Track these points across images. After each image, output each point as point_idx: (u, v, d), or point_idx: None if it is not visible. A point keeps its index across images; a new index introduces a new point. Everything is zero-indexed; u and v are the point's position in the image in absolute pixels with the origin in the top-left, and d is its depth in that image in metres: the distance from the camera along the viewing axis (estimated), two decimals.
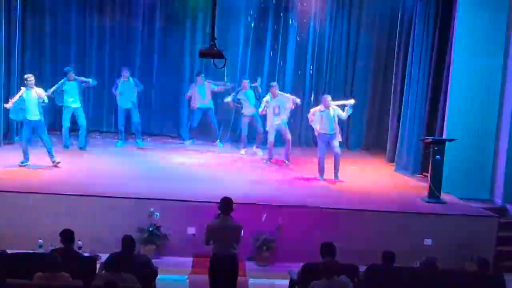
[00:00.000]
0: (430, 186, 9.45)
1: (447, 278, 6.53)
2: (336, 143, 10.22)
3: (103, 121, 13.03)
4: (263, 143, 11.69)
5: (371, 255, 6.98)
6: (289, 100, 11.14)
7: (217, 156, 11.73)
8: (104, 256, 6.52)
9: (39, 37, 12.69)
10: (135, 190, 8.90)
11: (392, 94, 12.07)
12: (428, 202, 9.39)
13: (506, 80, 10.01)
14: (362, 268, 6.56)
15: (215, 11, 8.10)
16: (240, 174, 10.49)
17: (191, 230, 8.40)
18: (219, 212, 6.68)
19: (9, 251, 6.73)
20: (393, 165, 11.56)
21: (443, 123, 10.37)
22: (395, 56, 11.92)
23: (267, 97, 11.20)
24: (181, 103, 12.89)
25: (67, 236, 6.39)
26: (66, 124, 11.20)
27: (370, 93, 13.26)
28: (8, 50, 11.27)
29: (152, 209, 8.35)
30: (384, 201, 9.34)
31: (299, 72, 13.13)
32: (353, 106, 10.43)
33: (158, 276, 6.60)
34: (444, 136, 10.10)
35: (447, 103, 10.34)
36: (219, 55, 7.75)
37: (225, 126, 12.90)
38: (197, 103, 12.18)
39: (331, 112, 10.16)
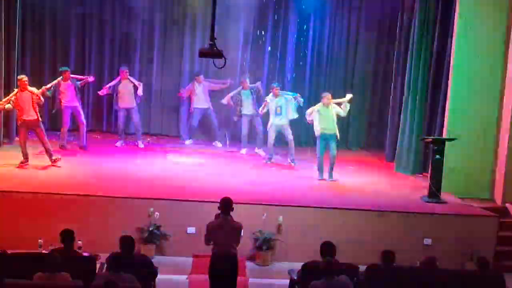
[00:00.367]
0: (430, 185, 9.46)
1: (447, 278, 6.53)
2: (334, 144, 10.20)
3: (103, 121, 13.03)
4: (264, 143, 11.68)
5: (371, 255, 6.99)
6: (292, 100, 11.11)
7: (217, 156, 11.73)
8: (104, 256, 6.52)
9: (39, 37, 12.69)
10: (135, 190, 8.90)
11: (391, 94, 12.08)
12: (428, 201, 9.40)
13: (506, 80, 10.01)
14: (362, 268, 6.56)
15: (215, 11, 8.09)
16: (240, 174, 10.49)
17: (191, 230, 8.41)
18: (219, 212, 6.68)
19: (9, 251, 6.72)
20: (393, 165, 11.57)
21: (443, 123, 10.37)
22: (395, 56, 11.93)
23: (269, 97, 11.20)
24: (180, 103, 12.88)
25: (67, 236, 6.39)
26: (65, 123, 11.19)
27: (370, 93, 13.27)
28: (8, 50, 11.26)
29: (152, 209, 8.36)
30: (384, 201, 9.34)
31: (299, 72, 13.14)
32: (352, 104, 10.39)
33: (158, 276, 6.59)
34: (444, 136, 10.10)
35: (447, 103, 10.34)
36: (219, 55, 7.75)
37: (225, 126, 12.89)
38: (197, 104, 12.18)
39: (331, 111, 10.15)
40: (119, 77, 11.74)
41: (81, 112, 11.31)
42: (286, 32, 13.00)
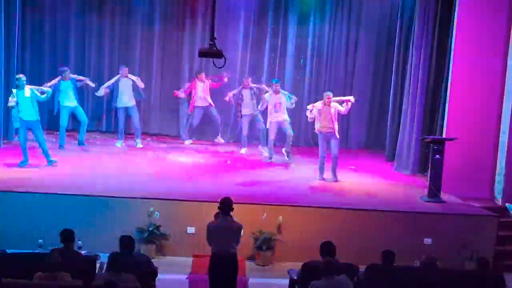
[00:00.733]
0: (429, 185, 9.46)
1: (447, 278, 6.53)
2: (335, 143, 10.20)
3: (103, 121, 13.03)
4: (266, 141, 11.67)
5: (371, 255, 6.98)
6: (287, 98, 11.12)
7: (217, 156, 11.73)
8: (104, 256, 6.52)
9: (38, 36, 12.70)
10: (135, 190, 8.90)
11: (391, 93, 12.08)
12: (428, 201, 9.40)
13: (506, 80, 10.01)
14: (362, 268, 6.56)
15: (214, 10, 8.10)
16: (240, 173, 10.48)
17: (191, 230, 8.41)
18: (219, 211, 6.68)
19: (9, 251, 6.72)
20: (393, 164, 11.57)
21: (443, 122, 10.37)
22: (395, 56, 11.93)
23: (268, 94, 11.20)
24: (180, 103, 12.88)
25: (67, 235, 6.38)
26: (63, 124, 11.19)
27: (369, 92, 13.26)
28: (8, 50, 11.26)
29: (152, 209, 8.36)
30: (383, 201, 9.34)
31: (299, 72, 13.14)
32: (352, 104, 10.38)
33: (158, 276, 6.60)
34: (444, 136, 10.10)
35: (447, 102, 10.34)
36: (219, 55, 7.75)
37: (225, 125, 12.90)
38: (198, 102, 12.14)
39: (331, 109, 10.14)
40: (118, 76, 11.72)
41: (82, 111, 11.32)
42: (285, 31, 12.99)
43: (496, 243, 8.88)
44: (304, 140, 13.03)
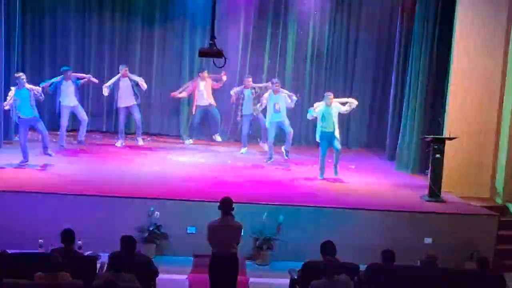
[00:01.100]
0: (430, 184, 9.46)
1: (447, 277, 6.52)
2: (337, 140, 10.20)
3: (103, 121, 13.03)
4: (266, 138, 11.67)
5: (372, 254, 6.98)
6: (286, 97, 11.12)
7: (217, 155, 11.73)
8: (104, 256, 6.52)
9: (39, 36, 12.69)
10: (135, 190, 8.90)
11: (392, 93, 12.07)
12: (428, 200, 9.40)
13: (506, 79, 10.00)
14: (363, 267, 6.56)
15: (215, 10, 8.09)
16: (240, 173, 10.48)
17: (191, 230, 8.41)
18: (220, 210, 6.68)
19: (9, 251, 6.72)
20: (393, 164, 11.56)
21: (444, 121, 10.36)
22: (395, 55, 11.92)
23: (268, 93, 11.20)
24: (181, 102, 12.87)
25: (68, 235, 6.39)
26: (63, 123, 11.19)
27: (370, 92, 13.25)
28: (8, 49, 11.26)
29: (152, 209, 8.36)
30: (384, 200, 9.34)
31: (299, 71, 13.13)
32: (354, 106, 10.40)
33: (158, 276, 6.60)
34: (444, 135, 10.09)
35: (447, 101, 10.34)
36: (219, 54, 7.74)
37: (225, 124, 12.89)
38: (200, 101, 12.11)
39: (333, 110, 10.15)
40: (118, 76, 11.71)
41: (82, 110, 11.32)
42: (285, 30, 12.98)
43: (497, 243, 8.88)
44: (305, 139, 13.02)
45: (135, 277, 5.80)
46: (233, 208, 6.65)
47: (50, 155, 10.16)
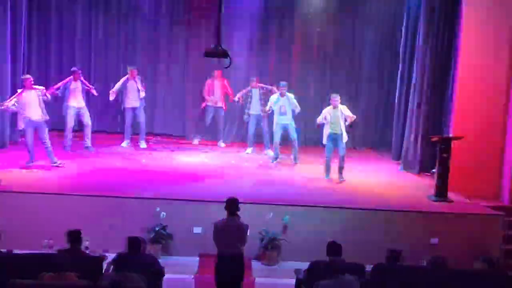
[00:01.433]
0: (436, 184, 9.43)
1: (454, 277, 6.50)
2: (342, 144, 10.18)
3: (108, 122, 13.05)
4: (270, 143, 11.66)
5: (377, 254, 6.96)
6: (292, 99, 11.09)
7: (223, 156, 11.73)
8: (110, 256, 6.53)
9: (44, 37, 12.74)
10: (141, 190, 8.91)
11: (397, 93, 12.04)
12: (435, 200, 9.37)
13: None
14: (368, 267, 6.55)
15: (220, 10, 8.09)
16: (246, 173, 10.48)
17: (197, 230, 8.41)
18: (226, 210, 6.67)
19: (16, 251, 6.74)
20: (399, 164, 11.53)
21: (450, 122, 10.32)
22: (401, 55, 11.88)
23: (275, 96, 11.19)
24: (186, 102, 12.89)
25: (74, 236, 6.40)
26: (69, 124, 11.20)
27: (375, 92, 13.24)
28: (14, 50, 11.30)
29: (158, 209, 8.37)
30: (390, 200, 9.32)
31: (304, 73, 13.11)
32: (357, 105, 10.33)
33: (164, 276, 6.60)
34: (450, 134, 10.06)
35: (454, 101, 10.30)
36: (224, 55, 7.74)
37: (230, 125, 12.90)
38: (211, 101, 12.15)
39: (338, 111, 10.13)
40: (126, 77, 11.73)
41: (87, 113, 11.31)
42: (291, 32, 12.97)
43: (504, 242, 8.84)
44: (310, 140, 12.99)
45: (141, 277, 5.80)
46: (239, 208, 6.65)
47: (56, 163, 10.04)
